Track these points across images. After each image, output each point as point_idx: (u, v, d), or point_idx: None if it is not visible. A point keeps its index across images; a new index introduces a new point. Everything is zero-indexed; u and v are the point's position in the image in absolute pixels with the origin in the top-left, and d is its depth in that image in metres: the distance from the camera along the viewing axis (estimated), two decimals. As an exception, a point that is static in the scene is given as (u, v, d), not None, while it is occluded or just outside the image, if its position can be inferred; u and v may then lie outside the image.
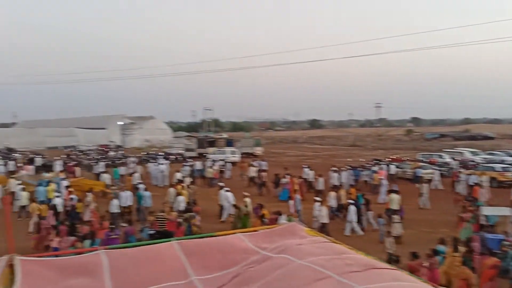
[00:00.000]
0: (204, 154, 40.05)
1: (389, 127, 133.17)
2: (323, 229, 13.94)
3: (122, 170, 27.00)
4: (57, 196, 17.30)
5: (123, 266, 3.97)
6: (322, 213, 15.44)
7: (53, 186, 19.41)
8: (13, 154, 39.16)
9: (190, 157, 37.00)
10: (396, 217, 14.70)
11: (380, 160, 30.67)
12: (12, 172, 26.60)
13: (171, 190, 19.06)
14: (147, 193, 18.32)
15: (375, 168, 25.79)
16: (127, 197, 17.69)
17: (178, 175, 23.51)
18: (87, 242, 11.39)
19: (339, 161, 36.44)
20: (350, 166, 26.79)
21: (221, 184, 20.46)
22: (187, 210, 15.00)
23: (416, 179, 23.89)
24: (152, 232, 12.41)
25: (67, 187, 19.19)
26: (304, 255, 3.48)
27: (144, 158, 34.57)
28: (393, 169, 26.64)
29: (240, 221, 15.17)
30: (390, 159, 31.04)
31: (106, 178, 23.43)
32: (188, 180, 22.66)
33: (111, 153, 42.89)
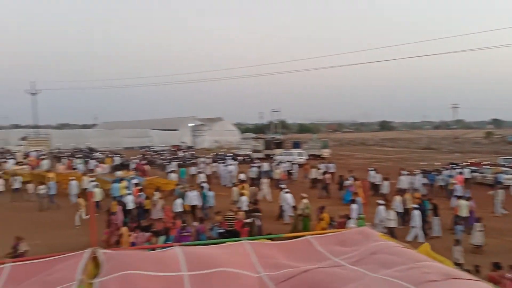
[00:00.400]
0: (271, 156, 40.30)
1: (467, 129, 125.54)
2: (391, 234, 13.41)
3: (192, 170, 27.98)
4: (128, 194, 18.08)
5: (197, 260, 4.10)
6: (389, 217, 14.88)
7: (124, 183, 20.44)
8: (94, 154, 41.93)
9: (258, 158, 37.40)
10: (478, 225, 13.76)
11: (456, 164, 28.99)
12: (92, 171, 28.52)
13: (235, 189, 19.54)
14: (211, 193, 18.79)
15: (451, 172, 24.39)
16: (193, 197, 17.93)
17: (242, 176, 24.09)
18: (162, 238, 11.89)
19: (412, 165, 34.97)
20: (423, 169, 25.60)
21: (281, 185, 20.54)
22: (255, 210, 15.15)
23: (498, 184, 22.25)
24: (221, 231, 12.68)
25: (136, 184, 20.21)
26: (378, 266, 3.36)
27: (213, 159, 35.46)
28: (467, 173, 25.04)
29: (301, 223, 15.10)
30: (467, 163, 29.20)
31: (173, 177, 24.40)
32: (266, 181, 22.92)
33: (182, 154, 44.49)
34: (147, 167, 30.52)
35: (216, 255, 4.45)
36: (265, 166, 28.51)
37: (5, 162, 29.90)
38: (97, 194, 19.30)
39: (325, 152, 44.33)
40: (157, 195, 18.22)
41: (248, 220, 13.78)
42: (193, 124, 67.65)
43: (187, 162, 36.25)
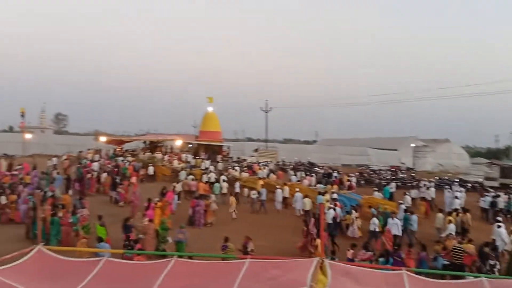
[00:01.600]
0: (510, 186, 34.90)
1: None
2: None
3: (412, 193, 26.62)
4: (330, 207, 18.55)
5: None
6: None
7: (327, 196, 21.59)
8: (314, 168, 44.14)
9: (491, 187, 32.93)
10: None
11: None
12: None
13: (440, 215, 18.22)
14: (414, 217, 17.86)
15: None
16: (393, 225, 16.39)
17: (457, 202, 22.30)
18: (380, 260, 11.49)
19: None
20: None
21: (497, 218, 17.99)
22: (487, 244, 13.17)
23: None
24: (446, 262, 11.47)
25: (334, 199, 20.83)
26: None
27: (436, 183, 32.86)
28: None
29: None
30: None
31: (377, 195, 23.94)
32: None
33: (402, 175, 42.72)
34: (353, 184, 30.65)
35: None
36: (501, 197, 24.75)
37: (232, 169, 34.14)
38: (306, 204, 21.25)
39: None
40: (354, 213, 18.31)
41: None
42: (415, 145, 64.38)
43: (407, 184, 34.55)
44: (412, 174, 44.66)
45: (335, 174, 36.18)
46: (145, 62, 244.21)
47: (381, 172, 45.48)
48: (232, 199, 22.10)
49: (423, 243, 13.59)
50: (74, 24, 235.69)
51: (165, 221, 15.60)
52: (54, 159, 35.59)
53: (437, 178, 38.73)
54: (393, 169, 49.21)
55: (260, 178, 28.90)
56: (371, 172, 44.78)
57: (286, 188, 24.93)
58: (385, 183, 31.31)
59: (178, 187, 24.82)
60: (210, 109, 49.18)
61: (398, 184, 32.65)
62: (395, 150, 67.94)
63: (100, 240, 12.81)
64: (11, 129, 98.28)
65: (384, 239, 14.09)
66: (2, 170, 29.49)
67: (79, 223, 15.56)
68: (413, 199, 25.50)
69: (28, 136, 51.44)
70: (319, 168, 44.39)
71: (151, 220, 15.35)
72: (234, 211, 21.50)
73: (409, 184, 33.86)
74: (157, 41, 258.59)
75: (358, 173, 41.07)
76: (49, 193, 20.63)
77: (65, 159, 36.04)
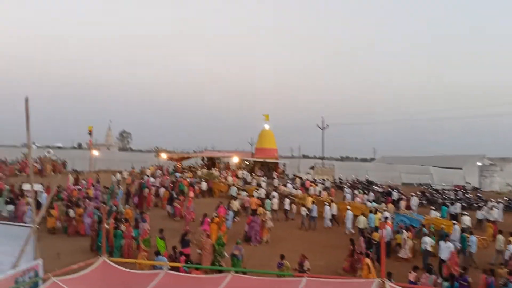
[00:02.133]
0: None
1: None
2: None
3: (478, 214, 25.25)
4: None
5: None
6: None
7: (379, 215, 21.24)
8: (373, 186, 42.86)
9: None
10: None
11: None
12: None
13: (500, 237, 17.10)
14: (473, 238, 16.93)
15: None
16: (446, 249, 14.87)
17: None
18: (445, 284, 10.89)
19: None
20: None
21: None
22: None
23: None
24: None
25: (385, 218, 20.37)
26: None
27: (506, 204, 30.76)
28: None
29: None
30: None
31: (434, 214, 22.99)
32: None
33: (467, 195, 40.42)
34: (411, 204, 29.44)
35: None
36: None
37: (284, 186, 33.97)
38: (360, 222, 20.90)
39: None
40: (405, 233, 17.52)
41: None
42: (481, 164, 60.83)
43: (473, 204, 32.63)
44: (478, 195, 42.10)
45: (395, 193, 34.90)
46: (204, 81, 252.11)
47: (444, 191, 43.31)
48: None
49: (491, 268, 12.74)
50: (137, 48, 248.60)
51: (222, 236, 15.79)
52: (118, 174, 37.37)
53: (506, 199, 36.27)
54: (458, 189, 46.69)
55: (309, 195, 28.68)
56: (434, 192, 42.76)
57: (334, 205, 24.68)
58: (449, 203, 29.73)
59: (235, 204, 24.94)
60: (266, 126, 49.55)
61: (463, 204, 30.93)
62: (460, 168, 64.56)
63: (158, 253, 13.19)
64: (79, 146, 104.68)
65: (449, 263, 13.33)
66: (70, 184, 31.39)
67: (141, 237, 16.13)
68: (480, 220, 24.22)
69: (95, 153, 54.41)
70: (378, 186, 43.07)
71: (208, 236, 15.61)
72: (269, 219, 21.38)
73: (475, 205, 31.96)
74: (215, 61, 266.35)
75: (419, 193, 39.34)
76: (114, 208, 21.67)
77: (128, 175, 37.80)
